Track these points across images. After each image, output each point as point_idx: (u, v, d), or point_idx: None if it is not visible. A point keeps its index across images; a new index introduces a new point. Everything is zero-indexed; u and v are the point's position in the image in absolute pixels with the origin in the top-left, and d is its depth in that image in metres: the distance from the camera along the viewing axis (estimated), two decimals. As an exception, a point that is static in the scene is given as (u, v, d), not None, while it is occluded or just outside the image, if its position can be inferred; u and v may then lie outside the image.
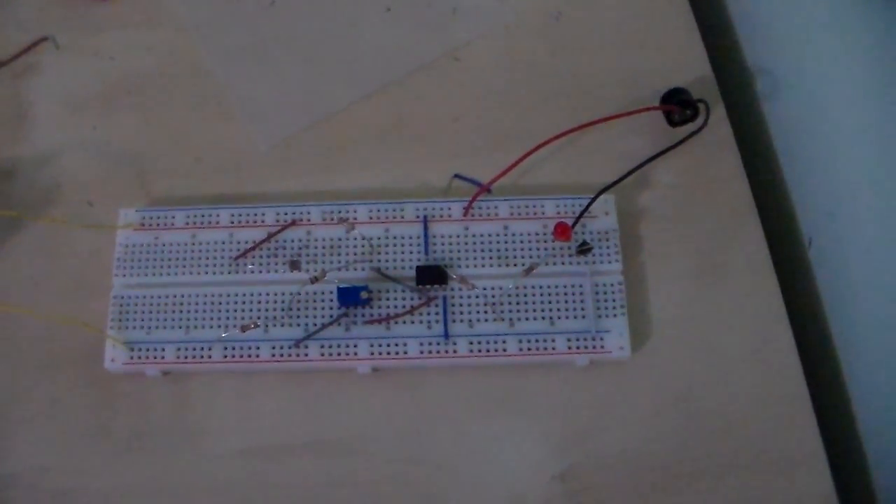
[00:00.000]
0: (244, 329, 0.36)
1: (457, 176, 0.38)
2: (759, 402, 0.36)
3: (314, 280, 0.36)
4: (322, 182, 0.40)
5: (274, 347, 0.35)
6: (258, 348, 0.35)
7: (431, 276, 0.36)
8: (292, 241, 0.37)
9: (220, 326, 0.36)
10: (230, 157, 0.40)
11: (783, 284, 0.38)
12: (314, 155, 0.40)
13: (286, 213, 0.37)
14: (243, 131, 0.41)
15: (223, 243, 0.37)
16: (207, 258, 0.37)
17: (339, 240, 0.37)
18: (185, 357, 0.35)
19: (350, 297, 0.35)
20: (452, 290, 0.36)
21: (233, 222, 0.38)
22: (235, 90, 0.42)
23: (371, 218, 0.37)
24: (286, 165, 0.40)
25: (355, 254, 0.37)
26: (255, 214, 0.38)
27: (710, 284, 0.37)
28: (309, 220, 0.37)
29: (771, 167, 0.43)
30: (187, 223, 0.38)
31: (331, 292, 0.36)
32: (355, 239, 0.37)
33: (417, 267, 0.36)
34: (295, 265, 0.36)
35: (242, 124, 0.41)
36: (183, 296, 0.36)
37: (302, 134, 0.41)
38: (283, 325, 0.36)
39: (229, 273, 0.37)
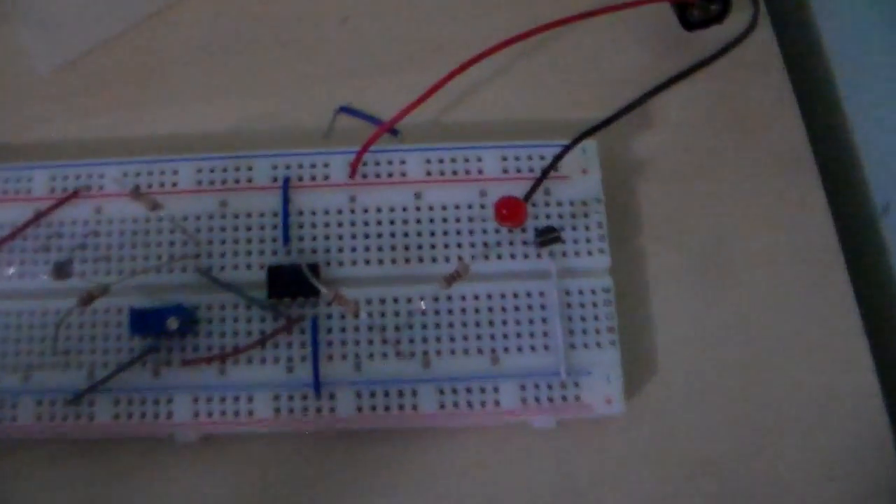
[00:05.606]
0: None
1: (343, 109, 0.31)
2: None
3: (91, 296, 0.25)
4: (126, 125, 0.32)
5: (40, 404, 0.26)
6: (14, 406, 0.26)
7: (292, 282, 0.27)
8: (73, 223, 0.28)
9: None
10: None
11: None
12: (117, 82, 0.33)
13: (66, 178, 0.29)
14: (15, 44, 0.33)
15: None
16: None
17: (146, 222, 0.28)
18: None
19: (148, 324, 0.26)
20: (327, 306, 0.27)
21: (-22, 191, 0.28)
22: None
23: (199, 184, 0.28)
24: (73, 98, 0.32)
25: (169, 245, 0.28)
26: (19, 180, 0.29)
27: (749, 282, 0.29)
28: (101, 190, 0.28)
29: (831, 101, 0.34)
30: None
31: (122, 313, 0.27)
32: (166, 221, 0.28)
33: (269, 267, 0.27)
34: (62, 270, 0.26)
35: (17, 35, 0.33)
36: None
37: (100, 50, 0.33)
38: (51, 368, 0.26)
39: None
